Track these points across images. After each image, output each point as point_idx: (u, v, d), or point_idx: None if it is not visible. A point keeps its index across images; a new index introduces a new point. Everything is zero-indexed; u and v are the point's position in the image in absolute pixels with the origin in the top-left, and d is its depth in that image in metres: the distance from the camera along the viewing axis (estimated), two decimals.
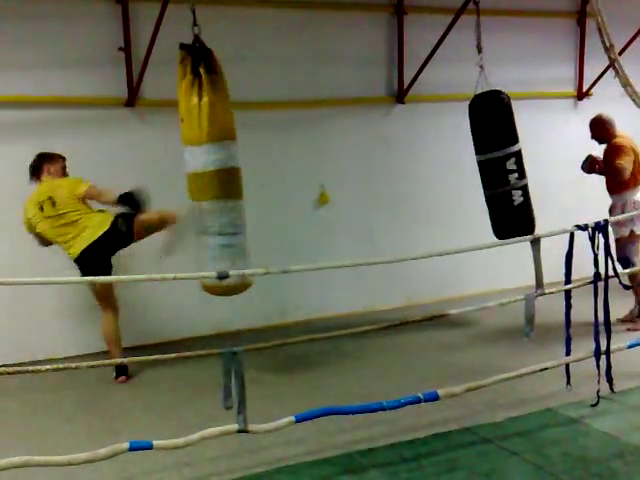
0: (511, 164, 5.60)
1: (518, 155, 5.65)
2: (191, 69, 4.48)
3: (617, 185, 6.01)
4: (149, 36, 5.55)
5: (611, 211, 6.10)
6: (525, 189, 5.67)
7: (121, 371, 5.33)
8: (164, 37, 5.48)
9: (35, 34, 5.71)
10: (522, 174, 5.64)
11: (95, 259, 5.12)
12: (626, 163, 5.88)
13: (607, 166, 6.04)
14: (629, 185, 5.97)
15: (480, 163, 5.79)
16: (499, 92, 5.72)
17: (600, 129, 6.16)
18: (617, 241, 5.89)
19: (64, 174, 5.37)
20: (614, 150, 6.02)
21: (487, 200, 5.81)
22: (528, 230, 5.38)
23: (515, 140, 5.66)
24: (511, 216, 5.70)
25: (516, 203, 5.62)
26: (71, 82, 5.86)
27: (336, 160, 6.91)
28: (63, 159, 5.38)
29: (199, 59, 4.47)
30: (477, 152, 5.81)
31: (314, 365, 5.51)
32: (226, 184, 4.72)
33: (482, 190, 5.79)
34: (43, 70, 5.79)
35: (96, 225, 5.14)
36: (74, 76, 5.87)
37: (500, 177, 5.64)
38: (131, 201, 5.13)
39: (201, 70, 4.48)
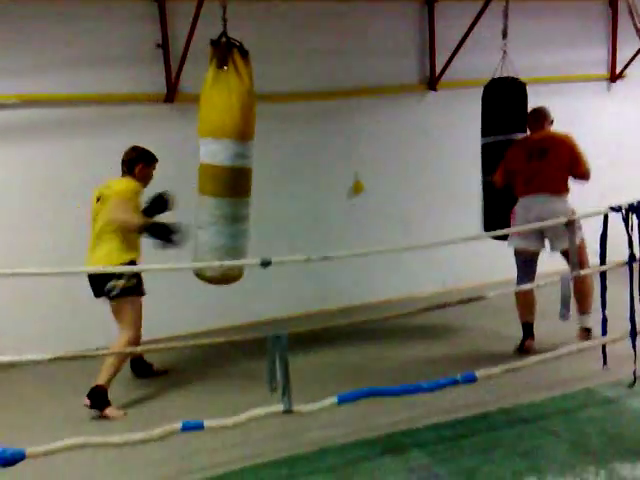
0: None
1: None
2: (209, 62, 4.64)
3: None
4: (186, 33, 5.70)
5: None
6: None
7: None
8: (200, 33, 5.61)
9: (75, 33, 5.90)
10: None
11: None
12: None
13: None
14: None
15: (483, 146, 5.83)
16: (516, 79, 5.65)
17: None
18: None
19: None
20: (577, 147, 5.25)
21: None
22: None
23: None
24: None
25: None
26: (111, 79, 6.05)
27: (370, 149, 7.01)
28: None
29: (215, 54, 4.61)
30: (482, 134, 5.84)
31: (355, 351, 5.64)
32: (198, 177, 4.82)
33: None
34: (83, 68, 5.98)
35: None
36: (114, 73, 6.05)
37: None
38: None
39: (210, 65, 4.63)
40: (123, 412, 4.64)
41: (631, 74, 7.85)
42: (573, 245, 4.70)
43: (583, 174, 5.21)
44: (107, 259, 4.71)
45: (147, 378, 5.32)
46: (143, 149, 5.02)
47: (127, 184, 4.86)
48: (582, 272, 4.77)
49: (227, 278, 4.93)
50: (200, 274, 4.87)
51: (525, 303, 5.34)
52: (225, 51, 4.57)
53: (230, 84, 4.57)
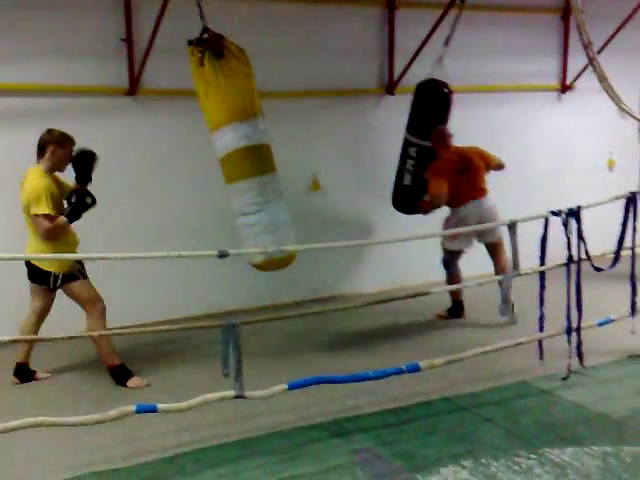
0: (413, 152, 6.58)
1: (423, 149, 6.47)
2: (198, 61, 4.77)
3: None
4: (151, 27, 5.80)
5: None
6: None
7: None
8: (165, 28, 5.74)
9: (40, 24, 5.93)
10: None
11: None
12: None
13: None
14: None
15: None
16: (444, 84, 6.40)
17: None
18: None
19: None
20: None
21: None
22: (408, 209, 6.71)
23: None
24: (398, 192, 6.86)
25: (404, 183, 6.74)
26: (75, 71, 6.09)
27: (328, 148, 7.19)
28: None
29: (204, 50, 4.74)
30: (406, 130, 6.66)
31: (306, 342, 5.81)
32: (235, 165, 4.97)
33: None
34: (48, 59, 6.01)
35: None
36: (78, 66, 6.10)
37: (402, 157, 6.72)
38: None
39: (207, 60, 4.74)
40: (145, 381, 4.95)
41: (580, 86, 8.16)
42: (515, 247, 4.93)
43: (498, 164, 6.30)
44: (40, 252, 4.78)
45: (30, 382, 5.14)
46: (58, 132, 4.86)
47: (35, 184, 4.71)
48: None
49: (289, 258, 5.08)
50: (263, 264, 5.01)
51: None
52: (219, 42, 4.74)
53: (234, 68, 4.77)
